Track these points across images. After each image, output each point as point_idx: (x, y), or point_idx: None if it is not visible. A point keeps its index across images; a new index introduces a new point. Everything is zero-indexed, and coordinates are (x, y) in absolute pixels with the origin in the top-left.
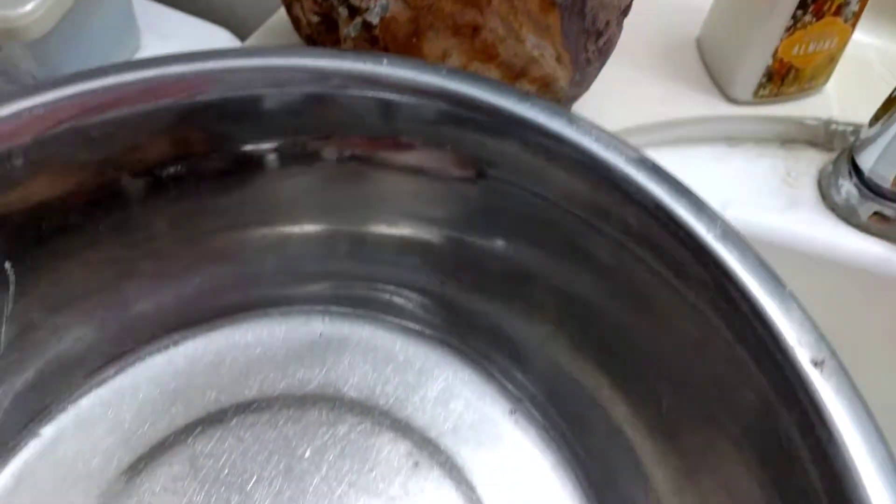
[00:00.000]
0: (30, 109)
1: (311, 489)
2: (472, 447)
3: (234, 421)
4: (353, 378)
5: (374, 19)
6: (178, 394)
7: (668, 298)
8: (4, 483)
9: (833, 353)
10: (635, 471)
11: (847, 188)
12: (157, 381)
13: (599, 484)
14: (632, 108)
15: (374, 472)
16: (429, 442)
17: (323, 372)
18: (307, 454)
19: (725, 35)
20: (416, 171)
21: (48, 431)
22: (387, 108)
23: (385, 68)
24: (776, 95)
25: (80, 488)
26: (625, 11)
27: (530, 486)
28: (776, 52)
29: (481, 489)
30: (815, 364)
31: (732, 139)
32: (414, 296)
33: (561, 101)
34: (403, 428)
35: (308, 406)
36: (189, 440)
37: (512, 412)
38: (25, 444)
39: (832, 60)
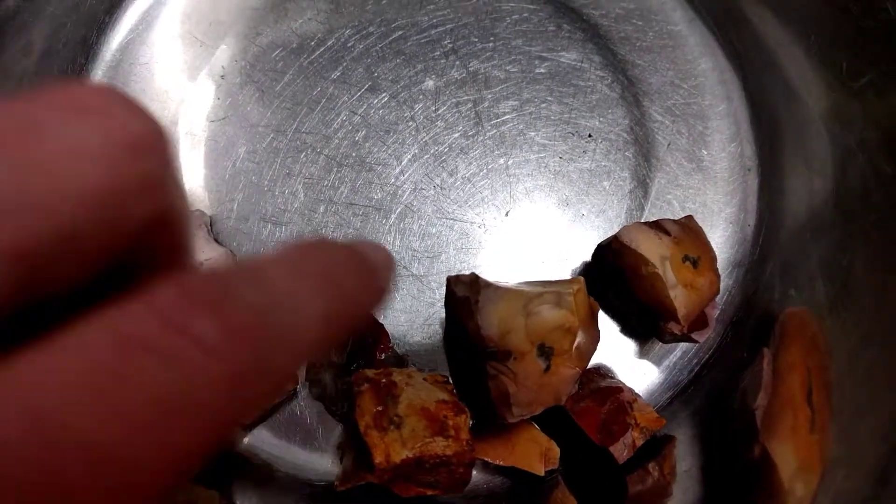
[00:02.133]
0: None
1: (447, 40)
2: (615, 20)
3: None
4: None
5: None
6: None
7: None
8: None
9: None
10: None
11: None
12: None
13: (738, 58)
14: None
15: (515, 28)
16: (572, 9)
17: None
18: (446, 6)
19: None
20: None
21: None
22: None
23: None
24: None
25: (227, 7)
26: None
27: (674, 57)
28: None
29: (622, 55)
30: None
31: None
32: None
33: None
34: None
35: None
36: None
37: None
38: None
39: None
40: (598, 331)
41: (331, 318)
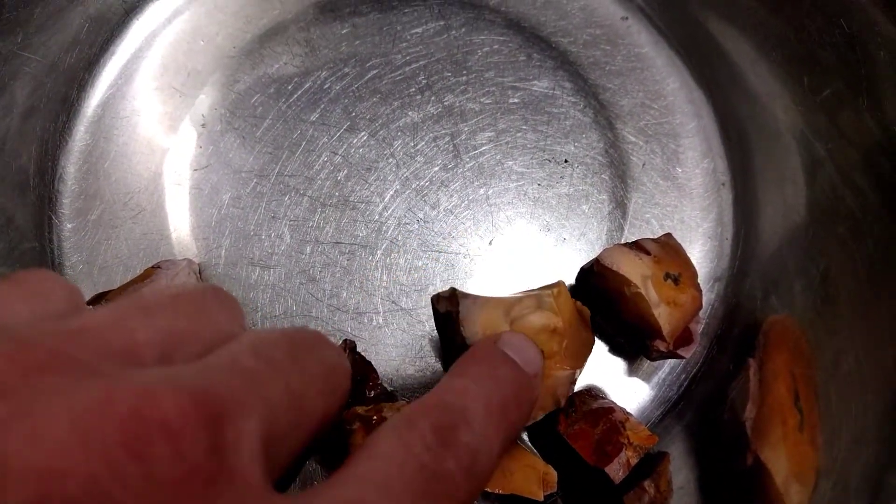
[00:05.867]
0: None
1: (421, 77)
2: (583, 46)
3: (347, 10)
4: None
5: None
6: None
7: None
8: (131, 46)
9: None
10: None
11: None
12: None
13: (704, 76)
14: None
15: (487, 60)
16: (541, 39)
17: None
18: (419, 42)
19: None
20: None
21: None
22: None
23: None
24: None
25: (203, 57)
26: None
27: (643, 79)
28: None
29: (593, 80)
30: None
31: None
32: None
33: None
34: (515, 25)
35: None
36: (304, 25)
37: (624, 18)
38: (147, 12)
39: None
40: (592, 334)
41: (505, 448)
